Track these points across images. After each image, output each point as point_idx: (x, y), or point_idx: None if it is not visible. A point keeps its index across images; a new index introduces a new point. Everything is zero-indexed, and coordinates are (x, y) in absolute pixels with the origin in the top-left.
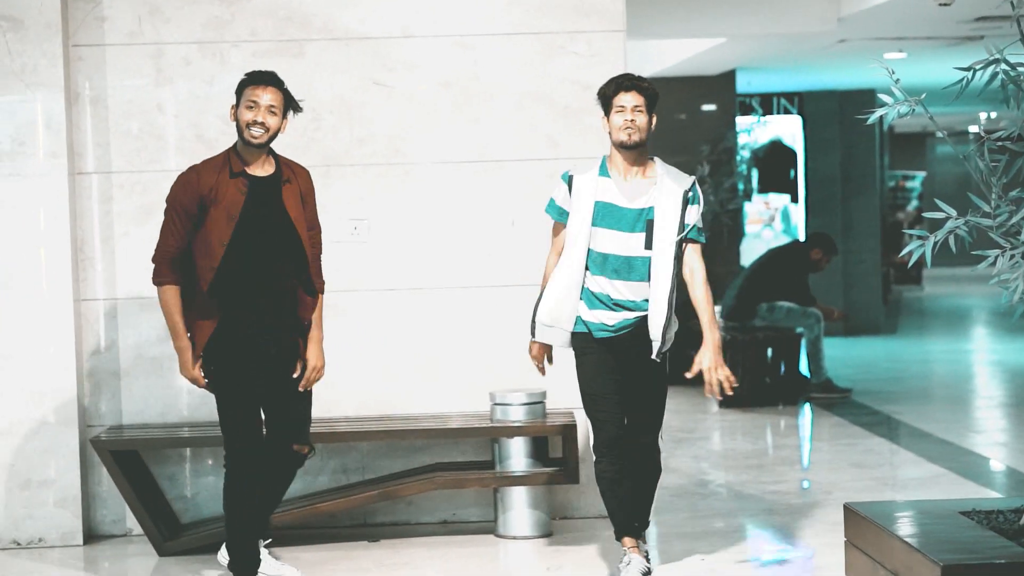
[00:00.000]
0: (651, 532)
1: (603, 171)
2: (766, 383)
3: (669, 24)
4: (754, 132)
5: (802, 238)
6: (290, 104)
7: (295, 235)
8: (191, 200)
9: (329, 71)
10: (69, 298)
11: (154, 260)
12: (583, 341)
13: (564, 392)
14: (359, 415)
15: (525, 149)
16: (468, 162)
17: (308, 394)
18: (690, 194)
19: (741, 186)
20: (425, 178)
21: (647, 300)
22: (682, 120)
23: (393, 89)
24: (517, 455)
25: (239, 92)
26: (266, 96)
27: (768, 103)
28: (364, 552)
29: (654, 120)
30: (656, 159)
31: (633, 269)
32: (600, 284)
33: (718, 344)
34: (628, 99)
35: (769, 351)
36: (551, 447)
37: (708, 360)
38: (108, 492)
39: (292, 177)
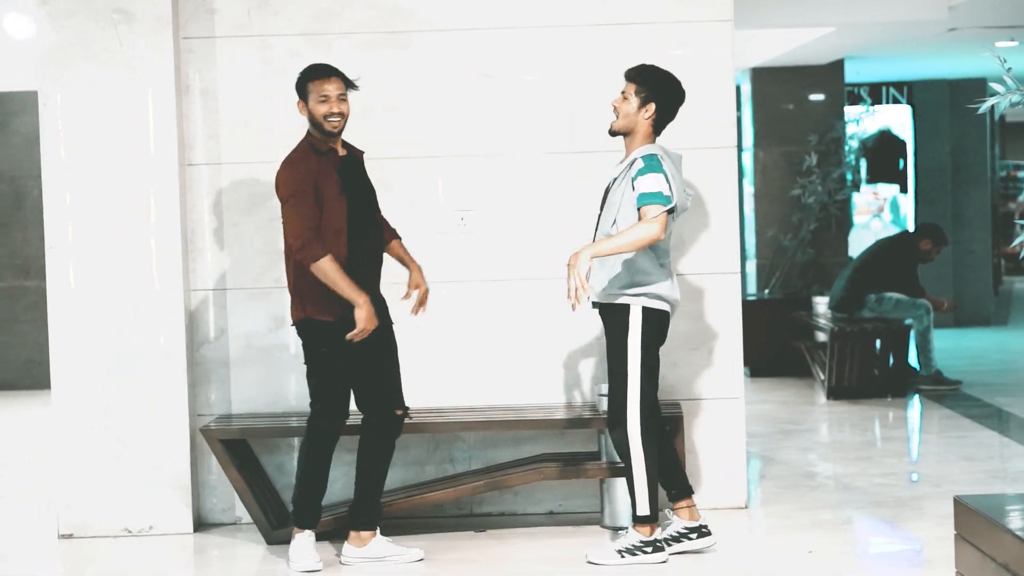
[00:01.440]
0: (759, 524)
1: None
2: (874, 375)
3: (777, 13)
4: (863, 122)
5: (911, 228)
6: (350, 85)
7: (376, 204)
8: (308, 182)
9: (433, 62)
10: (180, 289)
11: (302, 241)
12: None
13: (670, 383)
14: (465, 405)
15: None
16: (572, 152)
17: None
18: (629, 171)
19: (849, 176)
20: (529, 169)
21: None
22: (790, 110)
23: (497, 80)
24: None
25: (303, 88)
26: (332, 87)
27: (877, 92)
28: (470, 542)
29: (647, 108)
30: (655, 146)
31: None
32: None
33: (594, 250)
34: (624, 88)
35: (878, 343)
36: None
37: (571, 257)
38: (218, 480)
39: (358, 153)
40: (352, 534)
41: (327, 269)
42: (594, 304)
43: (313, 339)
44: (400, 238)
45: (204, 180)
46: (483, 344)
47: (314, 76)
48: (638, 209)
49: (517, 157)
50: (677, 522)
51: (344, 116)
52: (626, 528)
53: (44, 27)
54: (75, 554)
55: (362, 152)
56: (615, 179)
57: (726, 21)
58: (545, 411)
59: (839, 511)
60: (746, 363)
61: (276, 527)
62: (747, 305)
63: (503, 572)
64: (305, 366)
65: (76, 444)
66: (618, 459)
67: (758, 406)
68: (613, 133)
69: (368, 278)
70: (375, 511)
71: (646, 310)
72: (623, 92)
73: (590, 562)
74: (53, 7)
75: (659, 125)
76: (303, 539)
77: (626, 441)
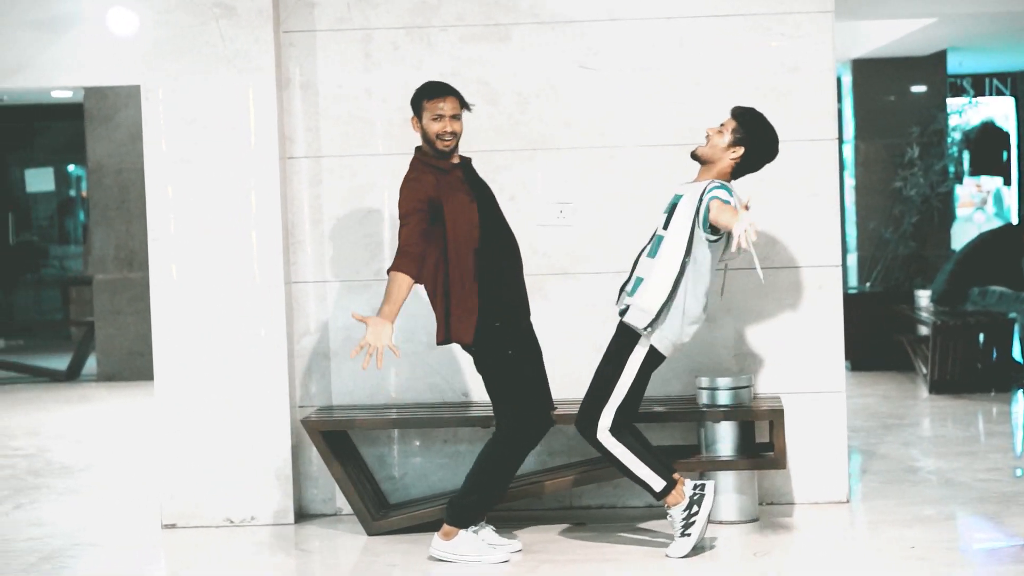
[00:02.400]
0: (860, 519)
1: None
2: (978, 369)
3: (878, 4)
4: (965, 113)
5: (1015, 221)
6: (464, 105)
7: (502, 219)
8: (423, 202)
9: (535, 55)
10: (280, 281)
11: (399, 253)
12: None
13: (771, 377)
14: (565, 398)
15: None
16: (673, 145)
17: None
18: (702, 196)
19: (952, 168)
20: (630, 161)
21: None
22: (891, 102)
23: (599, 72)
24: (723, 439)
25: (418, 105)
26: (448, 106)
27: (980, 84)
28: (570, 534)
29: (735, 150)
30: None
31: (654, 245)
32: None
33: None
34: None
35: (981, 336)
36: (757, 432)
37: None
38: (318, 472)
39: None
40: (445, 527)
41: (391, 279)
42: (621, 312)
43: (494, 347)
44: None
45: (304, 173)
46: (585, 336)
47: (429, 94)
48: (706, 205)
49: (617, 150)
50: (676, 511)
51: (456, 135)
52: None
53: (147, 22)
54: (178, 544)
55: (469, 159)
56: (680, 197)
57: (827, 12)
58: (644, 404)
59: (942, 506)
60: (847, 357)
61: (376, 518)
62: (848, 298)
63: (604, 566)
64: (487, 382)
65: (179, 435)
66: (721, 453)
67: (859, 400)
68: (695, 156)
69: (511, 276)
70: (477, 511)
71: (653, 349)
72: (722, 124)
73: (670, 556)
74: (155, 2)
75: (739, 171)
76: (468, 536)
77: (598, 442)
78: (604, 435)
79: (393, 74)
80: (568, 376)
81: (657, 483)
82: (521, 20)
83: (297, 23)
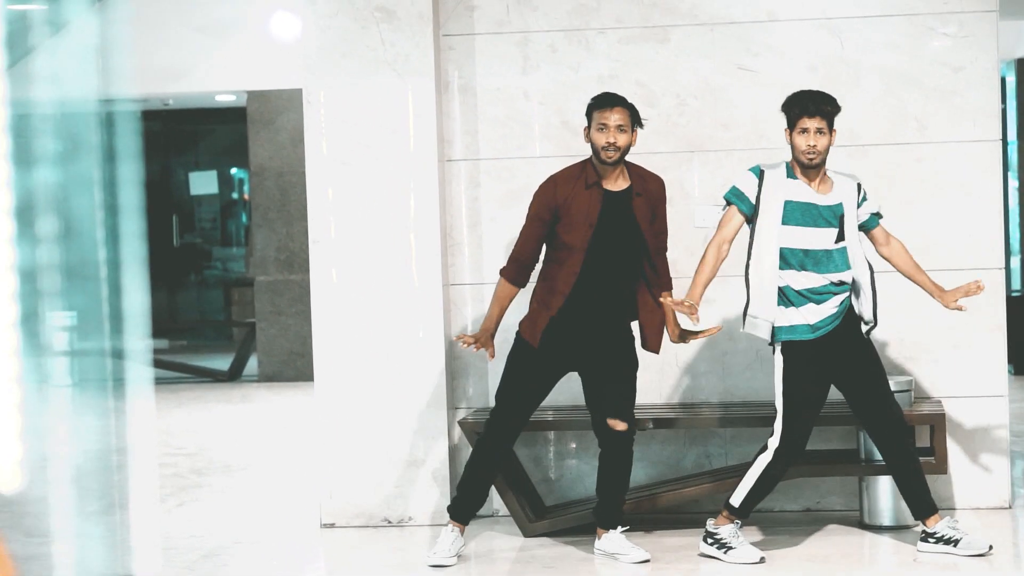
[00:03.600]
0: (1022, 526)
1: (790, 173)
2: None
3: None
4: None
5: None
6: (636, 119)
7: (642, 243)
8: (547, 209)
9: (693, 56)
10: (438, 283)
11: (510, 258)
12: (796, 348)
13: (932, 381)
14: (721, 401)
15: (893, 133)
16: (834, 147)
17: (628, 377)
18: (862, 191)
19: None
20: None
21: (843, 285)
22: None
23: (757, 74)
24: None
25: (589, 114)
26: (614, 117)
27: None
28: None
29: (834, 136)
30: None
31: (831, 260)
32: (800, 279)
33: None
34: (812, 123)
35: None
36: (918, 436)
37: (950, 295)
38: None
39: (643, 190)
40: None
41: (500, 288)
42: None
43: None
44: (671, 291)
45: (462, 175)
46: (736, 339)
47: (598, 104)
48: (867, 226)
49: (775, 152)
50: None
51: (620, 148)
52: (921, 526)
53: (309, 26)
54: (336, 543)
55: (659, 180)
56: (841, 203)
57: (991, 12)
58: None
59: None
60: (1010, 360)
61: (533, 520)
62: (1012, 301)
63: (762, 569)
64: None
65: (338, 435)
66: (878, 457)
67: (1022, 404)
68: (812, 167)
69: (597, 306)
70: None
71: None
72: (817, 131)
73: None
74: (318, 7)
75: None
76: (618, 535)
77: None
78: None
79: (551, 76)
80: (722, 379)
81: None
82: (680, 22)
83: (456, 27)
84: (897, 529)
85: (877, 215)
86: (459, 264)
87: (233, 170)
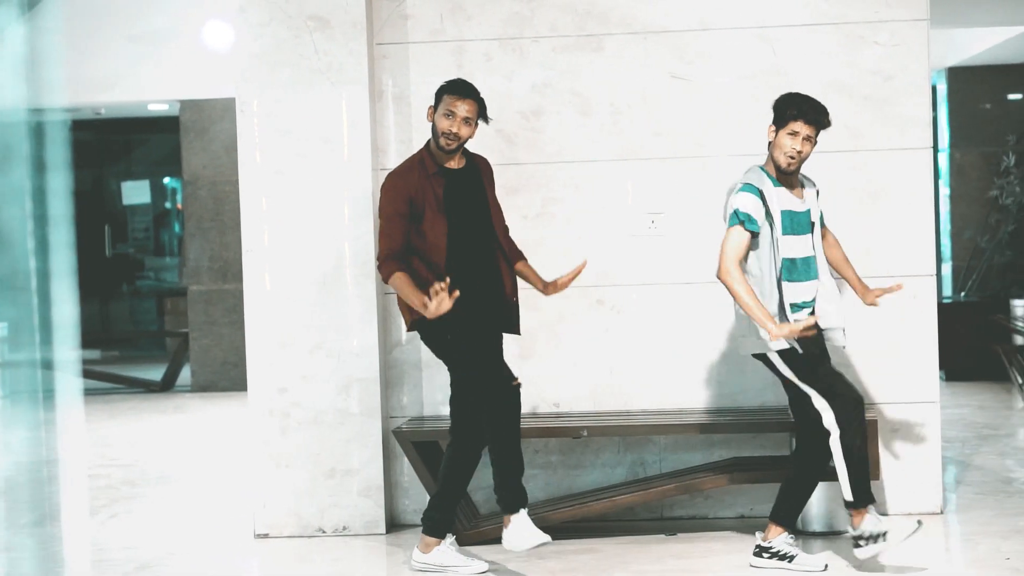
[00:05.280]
0: (955, 530)
1: (774, 181)
2: None
3: (975, 12)
4: None
5: None
6: (482, 114)
7: (490, 217)
8: (404, 202)
9: (628, 65)
10: (373, 291)
11: (379, 261)
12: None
13: (865, 387)
14: (656, 408)
15: (827, 141)
16: (766, 155)
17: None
18: (818, 192)
19: None
20: (723, 171)
21: (815, 297)
22: (988, 110)
23: (691, 82)
24: None
25: (438, 97)
26: (463, 107)
27: None
28: (661, 545)
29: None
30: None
31: (811, 268)
32: (795, 290)
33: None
34: (805, 129)
35: None
36: None
37: (872, 293)
38: (410, 482)
39: (482, 168)
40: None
41: (397, 286)
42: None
43: (435, 333)
44: (524, 259)
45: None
46: (674, 347)
47: (450, 90)
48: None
49: (708, 160)
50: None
51: (461, 139)
52: (856, 532)
53: (243, 35)
54: (270, 553)
55: (487, 161)
56: (810, 209)
57: (922, 20)
58: (736, 414)
59: None
60: (942, 367)
61: (468, 528)
62: (943, 308)
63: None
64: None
65: (272, 445)
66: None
67: (954, 410)
68: (789, 173)
69: (472, 296)
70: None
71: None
72: (805, 138)
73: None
74: (251, 15)
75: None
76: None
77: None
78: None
79: (486, 85)
80: (657, 385)
81: (850, 495)
82: (613, 30)
83: (390, 35)
84: (829, 535)
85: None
86: None
87: (166, 180)
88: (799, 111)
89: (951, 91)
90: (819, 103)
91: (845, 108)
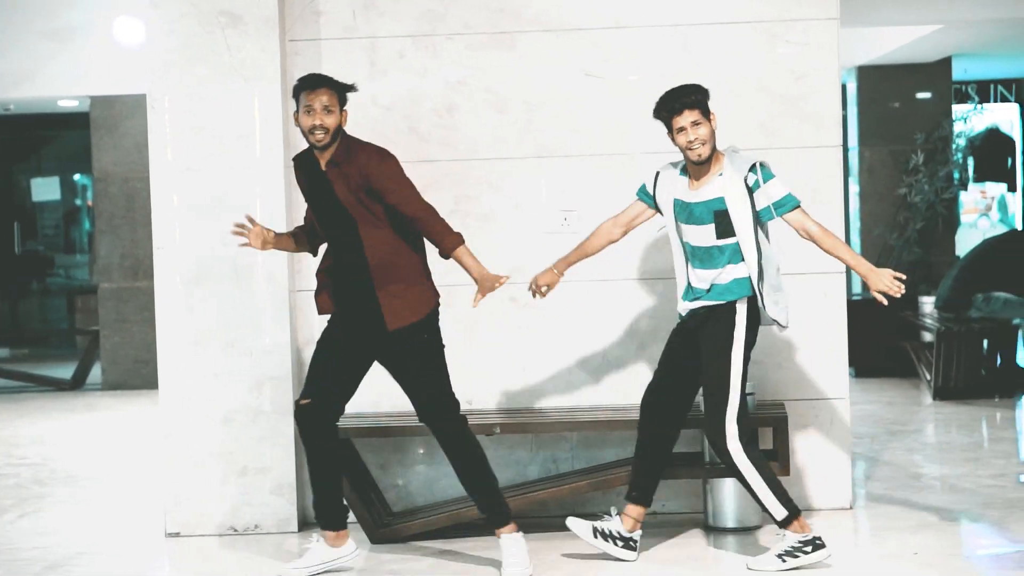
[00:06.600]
0: (864, 526)
1: (682, 171)
2: (982, 375)
3: (884, 11)
4: (970, 120)
5: (1020, 227)
6: (343, 98)
7: (347, 215)
8: (300, 188)
9: (542, 63)
10: (285, 289)
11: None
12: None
13: (775, 384)
14: (570, 405)
15: (741, 138)
16: (675, 153)
17: (417, 367)
18: (751, 181)
19: (957, 175)
20: (638, 169)
21: (715, 286)
22: (896, 108)
23: (605, 80)
24: None
25: (296, 98)
26: (319, 99)
27: (985, 90)
28: (574, 541)
29: (714, 120)
30: (725, 151)
31: (715, 259)
32: (697, 276)
33: (869, 265)
34: (684, 119)
35: (985, 343)
36: (761, 439)
37: (876, 278)
38: None
39: (346, 162)
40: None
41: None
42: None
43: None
44: (455, 246)
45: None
46: (587, 344)
47: (303, 87)
48: (771, 218)
49: (622, 157)
50: (792, 536)
51: (328, 130)
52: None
53: (153, 31)
54: (182, 552)
55: (370, 152)
56: (722, 197)
57: (833, 20)
58: None
59: (945, 513)
60: (851, 363)
61: (380, 526)
62: (853, 305)
63: (609, 573)
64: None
65: (183, 443)
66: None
67: (864, 407)
68: (701, 163)
69: (340, 296)
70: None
71: (752, 324)
72: (693, 123)
73: (751, 568)
74: (163, 11)
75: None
76: (518, 537)
77: (728, 454)
78: (734, 445)
79: (399, 82)
80: (571, 383)
81: (779, 512)
82: (527, 28)
83: (303, 32)
84: (741, 531)
85: (781, 205)
86: (306, 270)
87: (76, 176)
88: (668, 109)
89: (861, 90)
90: (681, 87)
91: (759, 106)
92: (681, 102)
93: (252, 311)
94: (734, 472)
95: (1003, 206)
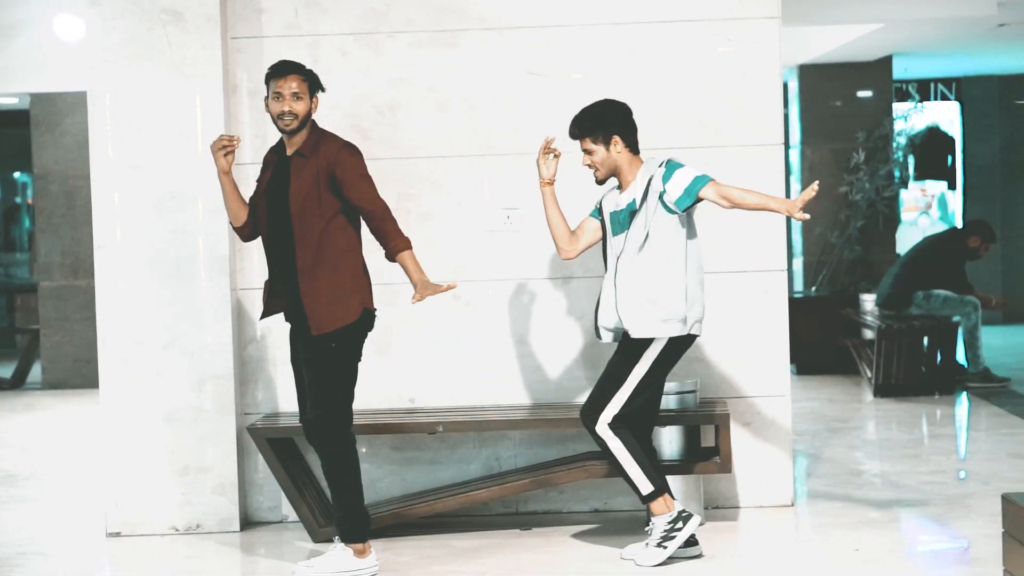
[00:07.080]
0: (805, 522)
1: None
2: (922, 372)
3: (825, 10)
4: (911, 118)
5: (960, 225)
6: (315, 86)
7: (287, 211)
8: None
9: (484, 61)
10: (227, 287)
11: None
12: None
13: (717, 381)
14: (512, 404)
15: (683, 137)
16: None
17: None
18: (650, 184)
19: (897, 173)
20: (580, 168)
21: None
22: (838, 107)
23: (547, 78)
24: (669, 444)
25: (267, 85)
26: (288, 85)
27: (925, 89)
28: (516, 540)
29: (613, 143)
30: (647, 160)
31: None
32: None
33: (785, 200)
34: (581, 147)
35: (926, 340)
36: (703, 436)
37: (782, 203)
38: (264, 479)
39: (311, 153)
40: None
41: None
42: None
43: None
44: (402, 250)
45: (251, 179)
46: (529, 342)
47: (273, 74)
48: (692, 199)
49: (566, 156)
50: (660, 520)
51: (297, 116)
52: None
53: (94, 28)
54: (123, 552)
55: (338, 146)
56: (634, 199)
57: (774, 18)
58: None
59: (886, 509)
60: (793, 360)
61: (323, 525)
62: (794, 302)
63: (549, 570)
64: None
65: (124, 443)
66: (666, 457)
67: (805, 404)
68: (602, 183)
69: (278, 287)
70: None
71: (673, 339)
72: (584, 151)
73: (639, 565)
74: (103, 8)
75: (632, 145)
76: (355, 559)
77: (596, 434)
78: (603, 427)
79: (342, 81)
80: (512, 381)
81: (646, 486)
82: (470, 26)
83: (244, 29)
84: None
85: (695, 185)
86: (248, 268)
87: (16, 174)
88: (571, 135)
89: (802, 88)
90: (576, 116)
91: (701, 104)
92: (571, 132)
93: (194, 310)
94: (603, 449)
95: (943, 204)
